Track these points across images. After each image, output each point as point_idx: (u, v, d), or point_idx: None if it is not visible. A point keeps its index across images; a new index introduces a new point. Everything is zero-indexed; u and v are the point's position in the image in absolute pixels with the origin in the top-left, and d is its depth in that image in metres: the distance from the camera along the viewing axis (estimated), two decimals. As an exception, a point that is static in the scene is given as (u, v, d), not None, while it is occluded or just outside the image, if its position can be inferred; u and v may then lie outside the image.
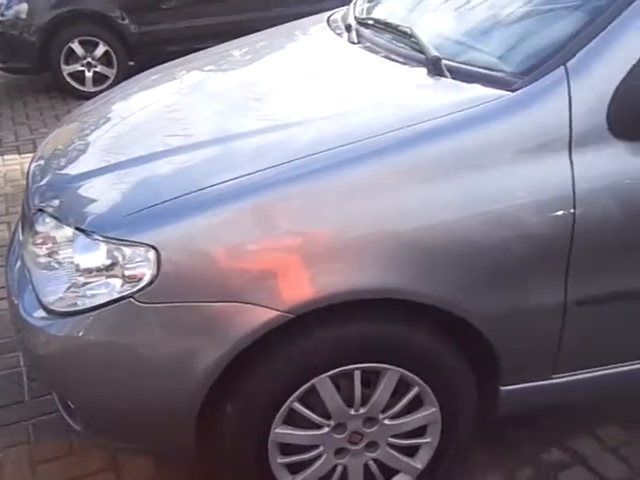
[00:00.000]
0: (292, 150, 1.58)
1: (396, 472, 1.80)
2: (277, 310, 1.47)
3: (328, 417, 1.65)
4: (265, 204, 1.49)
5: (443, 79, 1.69)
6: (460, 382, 1.71)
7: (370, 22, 2.21)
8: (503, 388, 1.74)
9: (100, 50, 5.93)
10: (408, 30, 1.91)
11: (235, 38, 2.79)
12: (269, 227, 1.49)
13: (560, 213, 1.54)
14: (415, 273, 1.52)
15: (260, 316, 1.47)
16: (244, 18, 6.02)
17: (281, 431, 1.63)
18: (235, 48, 2.64)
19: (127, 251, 1.48)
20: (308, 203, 1.49)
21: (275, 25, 2.83)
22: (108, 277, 1.51)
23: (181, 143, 1.76)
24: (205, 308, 1.47)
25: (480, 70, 1.68)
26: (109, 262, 1.50)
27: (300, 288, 1.48)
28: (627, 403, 2.14)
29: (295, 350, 1.56)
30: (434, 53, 1.73)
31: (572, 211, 1.54)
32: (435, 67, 1.71)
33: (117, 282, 1.50)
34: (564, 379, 1.78)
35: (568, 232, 1.56)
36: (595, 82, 1.53)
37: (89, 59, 5.94)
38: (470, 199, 1.51)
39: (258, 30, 2.83)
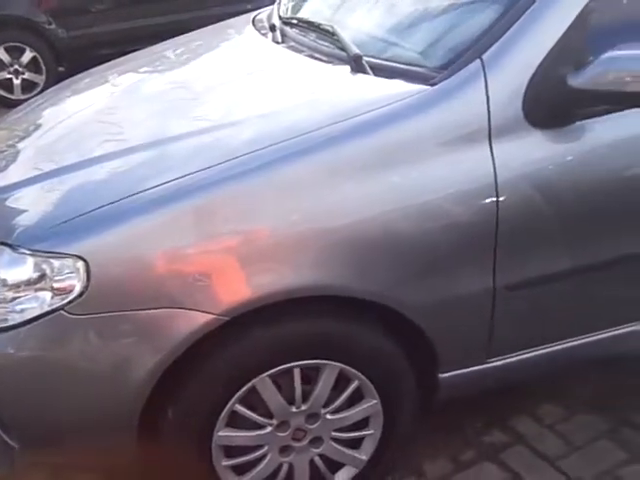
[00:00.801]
0: (223, 151, 1.58)
1: (341, 465, 1.83)
2: (212, 313, 1.47)
3: (270, 416, 1.66)
4: (197, 206, 1.49)
5: (365, 76, 1.72)
6: (399, 373, 1.74)
7: (294, 21, 2.22)
8: (441, 375, 1.78)
9: (27, 56, 5.79)
10: (330, 28, 1.93)
11: (168, 39, 2.77)
12: (201, 230, 1.49)
13: (484, 202, 1.59)
14: (346, 269, 1.54)
15: (195, 320, 1.47)
16: (176, 19, 5.96)
17: (224, 434, 1.64)
18: (166, 50, 2.62)
19: (55, 263, 1.46)
20: (239, 203, 1.50)
21: (210, 24, 2.83)
22: (37, 290, 1.48)
23: (115, 148, 1.74)
24: (139, 316, 1.47)
25: (401, 66, 1.71)
26: (37, 275, 1.48)
27: (233, 290, 1.49)
28: (562, 382, 2.22)
29: (233, 351, 1.56)
30: (355, 51, 1.76)
31: (495, 199, 1.59)
32: (357, 65, 1.74)
33: (47, 295, 1.47)
34: (499, 362, 1.84)
35: (493, 220, 1.60)
36: (510, 73, 1.58)
37: (16, 66, 5.79)
38: (396, 193, 1.54)
39: (191, 30, 2.81)
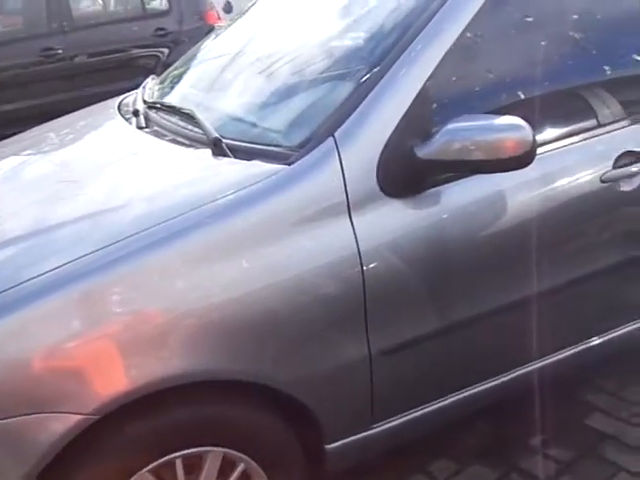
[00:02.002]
0: (89, 241, 1.56)
1: None
2: (81, 414, 1.42)
3: (154, 513, 1.60)
4: (67, 299, 1.45)
5: (226, 159, 1.75)
6: (285, 450, 1.73)
7: (158, 105, 2.25)
8: (328, 446, 1.79)
9: None
10: (190, 112, 1.96)
11: (42, 122, 2.73)
12: (72, 323, 1.45)
13: (349, 272, 1.64)
14: (219, 351, 1.54)
15: (62, 424, 1.41)
16: (49, 100, 5.85)
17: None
18: (35, 136, 2.58)
19: None
20: (107, 294, 1.48)
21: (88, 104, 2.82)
22: None
23: None
24: (2, 425, 1.39)
25: (260, 147, 1.76)
26: None
27: (102, 386, 1.45)
28: (450, 434, 2.27)
29: (108, 450, 1.51)
30: (214, 134, 1.79)
31: (360, 269, 1.64)
32: (217, 148, 1.77)
33: None
34: (385, 426, 1.86)
35: (360, 289, 1.65)
36: (362, 148, 1.66)
37: None
38: (262, 271, 1.57)
39: (67, 112, 2.79)
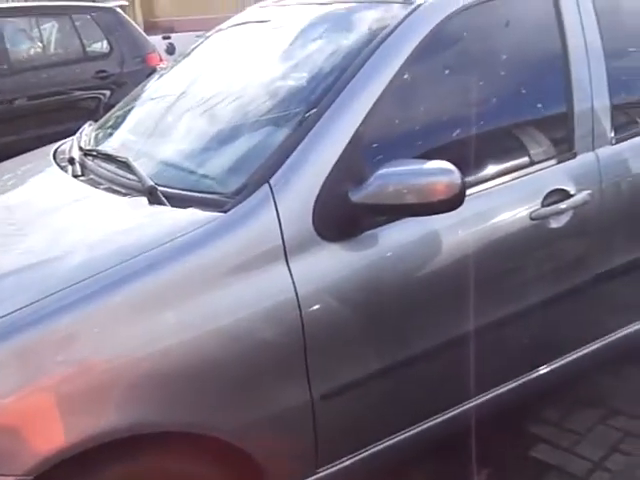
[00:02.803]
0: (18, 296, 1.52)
1: None
2: (14, 475, 1.38)
3: None
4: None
5: (162, 207, 1.74)
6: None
7: (94, 153, 2.23)
8: (273, 493, 1.77)
9: None
10: (125, 160, 1.96)
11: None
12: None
13: (288, 317, 1.64)
14: (157, 402, 1.52)
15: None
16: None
17: None
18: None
19: None
20: (34, 352, 1.44)
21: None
22: None
23: None
24: None
25: (196, 194, 1.76)
26: None
27: (35, 445, 1.41)
28: (400, 469, 2.27)
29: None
30: (149, 183, 1.79)
31: (299, 313, 1.65)
32: (153, 196, 1.76)
33: None
34: (331, 470, 1.86)
35: (299, 333, 1.66)
36: (297, 194, 1.68)
37: None
38: (199, 320, 1.56)
39: (9, 156, 2.75)
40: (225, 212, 1.65)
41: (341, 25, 2.20)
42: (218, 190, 1.76)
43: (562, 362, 2.24)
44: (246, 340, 1.60)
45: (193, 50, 2.73)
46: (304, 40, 2.28)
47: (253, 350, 1.61)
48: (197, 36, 2.94)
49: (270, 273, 1.63)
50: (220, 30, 2.70)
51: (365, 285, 1.74)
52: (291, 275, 1.65)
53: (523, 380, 2.16)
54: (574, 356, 2.26)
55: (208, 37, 2.73)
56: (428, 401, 2.00)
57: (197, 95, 2.37)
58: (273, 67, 2.25)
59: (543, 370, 2.20)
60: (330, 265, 1.70)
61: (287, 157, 1.72)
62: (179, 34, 9.33)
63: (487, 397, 2.09)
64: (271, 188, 1.67)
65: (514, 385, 2.14)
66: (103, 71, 6.11)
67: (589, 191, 2.06)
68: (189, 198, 1.75)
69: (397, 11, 1.98)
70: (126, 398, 1.49)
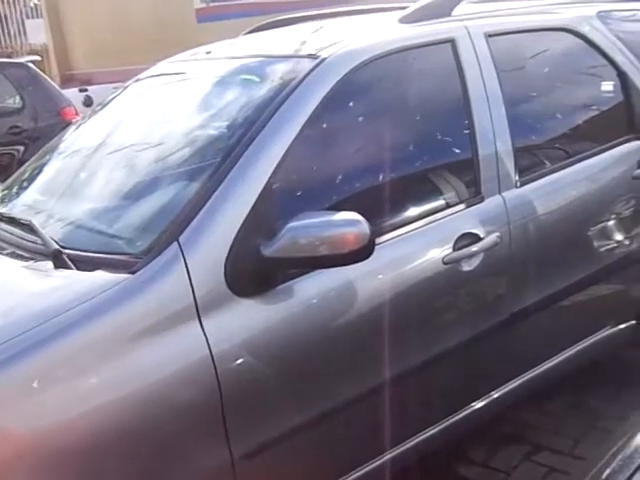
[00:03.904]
0: None
1: None
2: None
3: None
4: None
5: (68, 271, 1.69)
6: None
7: (-1, 216, 2.15)
8: None
9: None
10: (28, 223, 1.89)
11: None
12: None
13: (203, 378, 1.60)
14: (67, 475, 1.45)
15: None
16: None
17: None
18: None
19: None
20: None
21: None
22: None
23: None
24: None
25: (103, 256, 1.72)
26: None
27: None
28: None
29: None
30: (54, 246, 1.73)
31: (214, 372, 1.61)
32: (58, 260, 1.71)
33: None
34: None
35: (216, 394, 1.62)
36: (208, 251, 1.66)
37: None
38: (109, 387, 1.51)
39: None
40: (133, 273, 1.61)
41: (250, 79, 2.22)
42: (127, 250, 1.73)
43: (484, 402, 2.26)
44: (160, 405, 1.55)
45: (108, 103, 2.69)
46: (215, 94, 2.29)
47: (168, 414, 1.56)
48: (114, 87, 2.90)
49: (183, 333, 1.60)
50: (138, 80, 2.67)
51: (282, 339, 1.72)
52: (205, 334, 1.62)
53: (447, 422, 2.17)
54: (496, 394, 2.29)
55: (125, 89, 2.70)
56: (352, 452, 1.98)
57: (108, 151, 2.33)
58: (184, 121, 2.25)
59: (466, 411, 2.22)
60: (245, 321, 1.68)
61: (196, 213, 1.70)
62: (96, 86, 9.24)
63: (413, 442, 2.08)
64: (180, 246, 1.64)
65: (439, 428, 2.14)
66: (16, 127, 6.01)
67: (498, 233, 2.12)
68: (97, 260, 1.70)
69: (304, 65, 2.01)
70: (32, 474, 1.41)
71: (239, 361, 1.66)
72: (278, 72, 2.08)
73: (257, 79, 2.13)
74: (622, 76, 2.66)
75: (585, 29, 2.61)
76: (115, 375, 1.51)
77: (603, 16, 2.74)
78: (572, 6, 2.74)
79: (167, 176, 1.99)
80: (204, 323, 1.62)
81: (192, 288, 1.62)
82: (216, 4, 11.62)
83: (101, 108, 2.68)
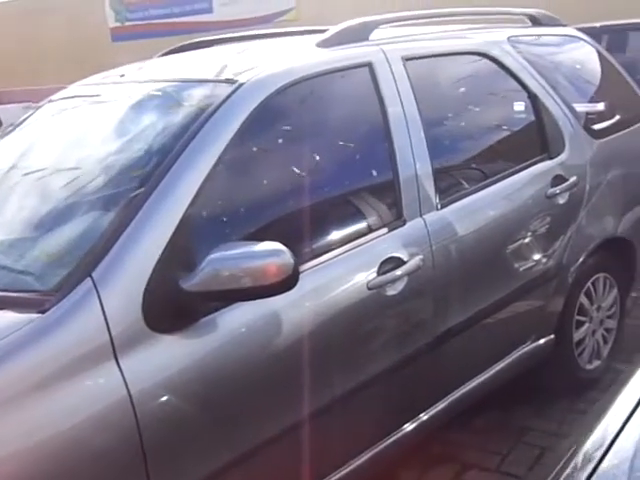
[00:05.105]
0: None
1: None
2: None
3: None
4: None
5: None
6: None
7: None
8: None
9: None
10: None
11: None
12: None
13: (121, 419, 1.52)
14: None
15: None
16: None
17: None
18: None
19: None
20: None
21: None
22: None
23: None
24: None
25: (11, 294, 1.61)
26: None
27: None
28: None
29: None
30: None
31: (133, 413, 1.53)
32: None
33: None
34: None
35: (135, 435, 1.54)
36: (124, 286, 1.58)
37: None
38: (19, 435, 1.41)
39: None
40: (43, 312, 1.51)
41: (167, 104, 2.14)
42: (37, 287, 1.62)
43: (413, 424, 2.25)
44: (77, 450, 1.46)
45: (19, 125, 2.56)
46: (131, 118, 2.21)
47: (86, 460, 1.47)
48: (24, 107, 2.76)
49: (98, 374, 1.51)
50: (51, 102, 2.54)
51: (205, 375, 1.66)
52: (122, 374, 1.53)
53: (377, 448, 2.14)
54: (425, 417, 2.29)
55: (37, 109, 2.57)
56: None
57: (16, 177, 2.20)
58: (98, 147, 2.15)
59: (396, 435, 2.21)
60: (165, 358, 1.61)
61: (111, 246, 1.62)
62: (5, 106, 8.88)
63: (344, 471, 2.05)
64: (94, 282, 1.56)
65: (368, 455, 2.12)
66: None
67: (421, 256, 2.13)
68: (2, 299, 1.59)
69: (222, 90, 1.97)
70: None
71: (159, 401, 1.58)
72: (195, 97, 2.03)
73: (174, 104, 2.06)
74: (533, 98, 2.75)
75: (497, 53, 2.69)
76: (24, 423, 1.41)
77: (513, 40, 2.83)
78: (484, 31, 2.82)
79: (80, 206, 1.89)
80: (121, 362, 1.54)
81: (108, 326, 1.53)
82: (131, 23, 11.45)
83: (11, 130, 2.55)
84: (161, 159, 1.80)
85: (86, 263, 1.60)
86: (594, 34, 3.32)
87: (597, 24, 4.83)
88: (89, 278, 1.57)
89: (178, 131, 1.88)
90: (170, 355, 1.61)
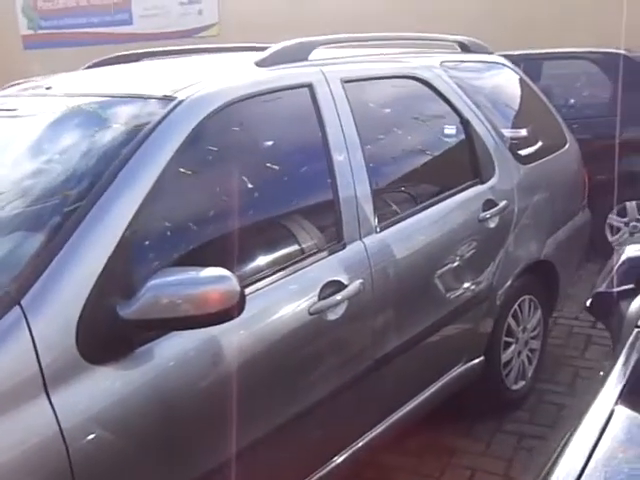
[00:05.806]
0: None
1: None
2: None
3: None
4: None
5: None
6: None
7: None
8: None
9: None
10: None
11: None
12: None
13: (51, 459, 1.42)
14: None
15: None
16: None
17: None
18: None
19: None
20: None
21: None
22: None
23: None
24: None
25: None
26: None
27: None
28: None
29: None
30: None
31: (65, 452, 1.43)
32: None
33: None
34: None
35: (67, 475, 1.43)
36: (56, 315, 1.48)
37: None
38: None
39: None
40: (-42, 345, 1.39)
41: (100, 121, 2.02)
42: (-44, 317, 1.49)
43: (350, 451, 2.22)
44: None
45: None
46: (57, 136, 2.07)
47: None
48: None
49: (27, 410, 1.40)
50: None
51: (143, 407, 1.57)
52: (53, 408, 1.43)
53: (314, 477, 2.10)
54: (361, 443, 2.26)
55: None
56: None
57: None
58: (25, 164, 2.01)
59: (337, 459, 2.17)
60: (100, 390, 1.51)
61: (41, 272, 1.51)
62: None
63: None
64: (23, 310, 1.45)
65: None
66: None
67: (361, 280, 2.10)
68: None
69: (157, 107, 1.88)
70: None
71: (94, 436, 1.48)
72: (132, 113, 1.94)
73: (109, 121, 1.96)
74: (465, 123, 2.79)
75: (431, 77, 2.72)
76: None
77: (445, 66, 2.88)
78: (419, 55, 2.85)
79: (8, 227, 1.76)
80: (52, 396, 1.43)
81: (38, 358, 1.42)
82: (45, 32, 11.01)
83: None
84: (96, 180, 1.70)
85: (14, 290, 1.48)
86: (512, 62, 3.43)
87: (515, 52, 5.00)
88: (18, 306, 1.45)
89: (114, 149, 1.79)
90: (105, 388, 1.52)
